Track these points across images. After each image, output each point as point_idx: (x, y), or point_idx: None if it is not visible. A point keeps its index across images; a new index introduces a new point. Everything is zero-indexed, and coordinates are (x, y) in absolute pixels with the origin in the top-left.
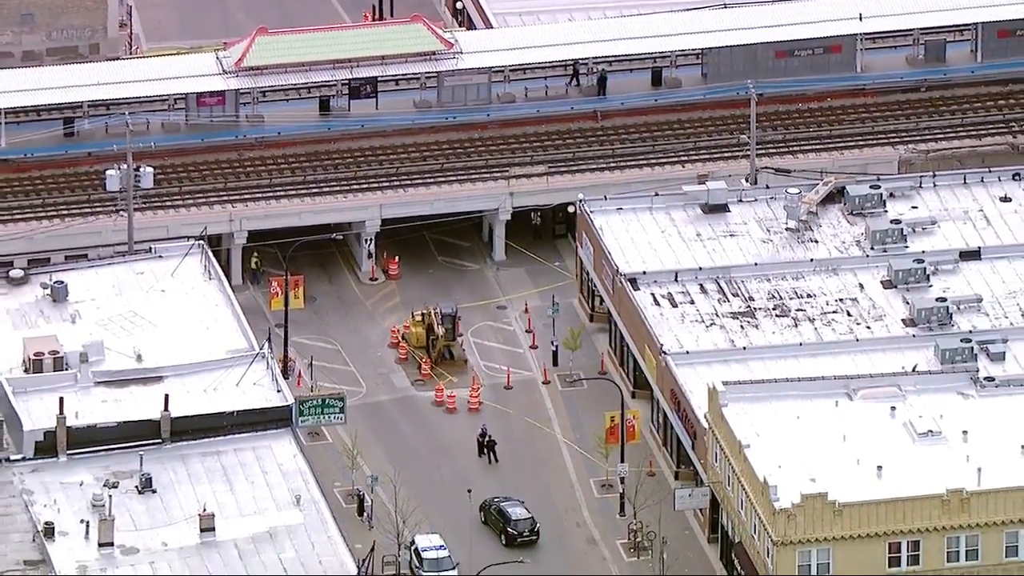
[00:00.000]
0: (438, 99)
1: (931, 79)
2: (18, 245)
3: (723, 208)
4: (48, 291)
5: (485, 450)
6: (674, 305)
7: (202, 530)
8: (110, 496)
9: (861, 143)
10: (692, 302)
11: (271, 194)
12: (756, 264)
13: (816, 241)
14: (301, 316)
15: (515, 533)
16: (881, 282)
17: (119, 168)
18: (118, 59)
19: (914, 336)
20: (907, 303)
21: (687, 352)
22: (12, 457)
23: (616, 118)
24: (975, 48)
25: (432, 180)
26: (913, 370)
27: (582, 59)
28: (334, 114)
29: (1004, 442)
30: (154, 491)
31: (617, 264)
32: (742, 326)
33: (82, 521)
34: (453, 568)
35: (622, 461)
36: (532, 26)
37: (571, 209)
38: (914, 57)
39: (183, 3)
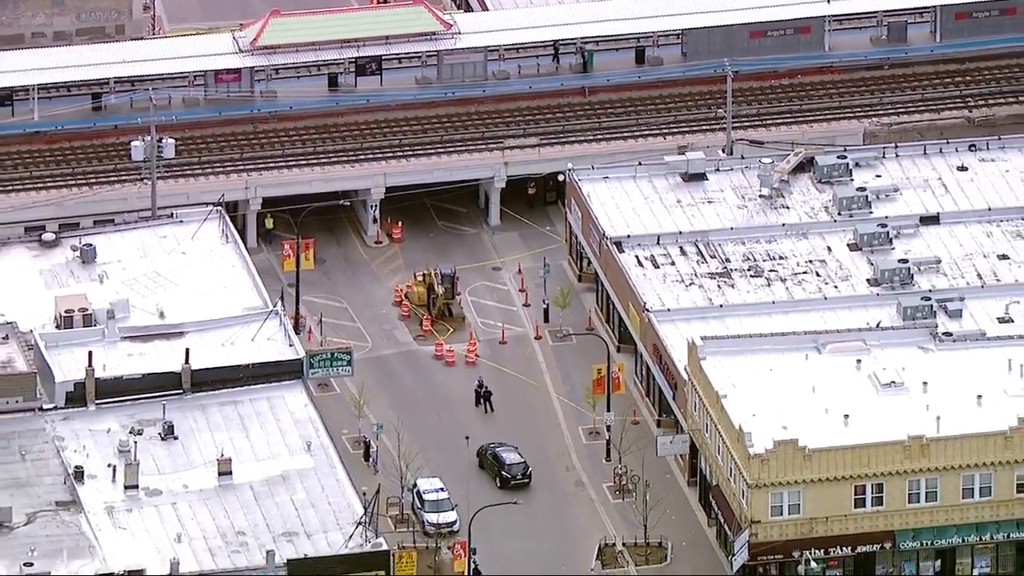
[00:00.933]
0: (438, 76)
1: (893, 58)
2: (50, 211)
3: (701, 176)
4: (78, 253)
5: (482, 400)
6: (656, 266)
7: (220, 474)
8: (135, 442)
9: (829, 117)
10: (673, 263)
11: (284, 164)
12: (732, 228)
13: (787, 207)
14: (311, 276)
15: (509, 476)
16: (847, 245)
17: (143, 139)
18: (142, 39)
19: (878, 295)
20: (871, 264)
21: (668, 309)
22: (45, 406)
23: (602, 94)
24: (934, 29)
25: (432, 151)
26: (877, 326)
27: (571, 39)
28: (342, 90)
29: (961, 392)
30: (176, 438)
31: (603, 228)
32: (719, 285)
33: (109, 465)
34: (452, 509)
35: (608, 410)
36: (525, 8)
37: (561, 178)
38: (878, 37)
39: None
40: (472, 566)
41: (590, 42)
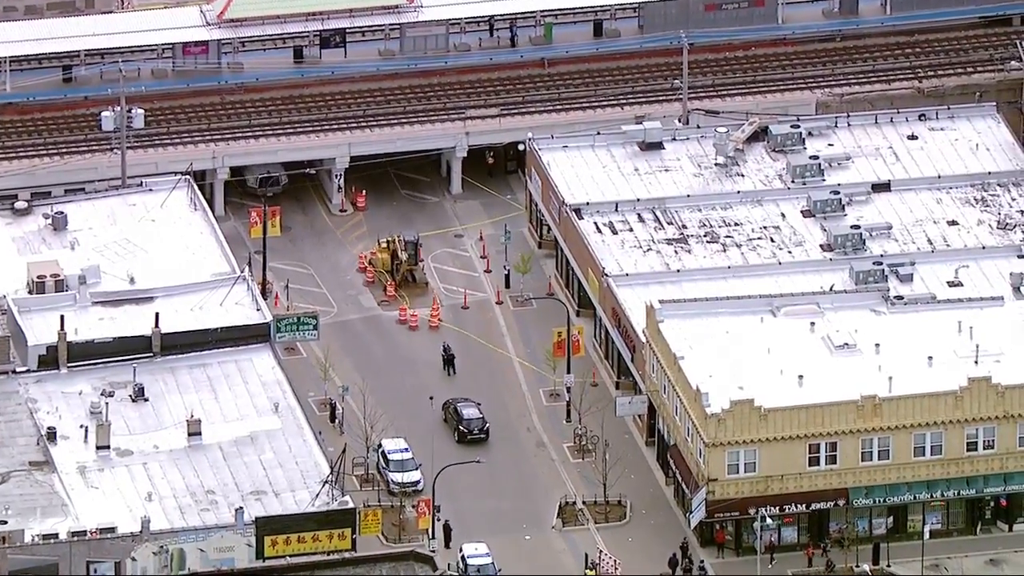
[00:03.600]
0: (400, 48)
1: (845, 30)
2: (22, 180)
3: (658, 145)
4: (49, 220)
5: (445, 364)
6: (615, 232)
7: (190, 434)
8: (106, 404)
9: (782, 87)
10: (631, 230)
11: (250, 134)
12: (688, 196)
13: (742, 175)
14: (278, 243)
15: (466, 431)
16: (801, 211)
17: (113, 110)
18: (111, 12)
19: (831, 259)
20: (824, 230)
21: (626, 274)
22: (18, 369)
23: (561, 65)
24: (885, 2)
25: (396, 121)
26: (830, 290)
27: (531, 12)
28: (307, 62)
29: (912, 354)
30: (146, 399)
31: (563, 196)
32: (676, 251)
33: (81, 426)
34: (416, 468)
35: (568, 372)
36: None
37: (521, 147)
38: (830, 10)
39: None
40: (443, 521)
41: (549, 15)
